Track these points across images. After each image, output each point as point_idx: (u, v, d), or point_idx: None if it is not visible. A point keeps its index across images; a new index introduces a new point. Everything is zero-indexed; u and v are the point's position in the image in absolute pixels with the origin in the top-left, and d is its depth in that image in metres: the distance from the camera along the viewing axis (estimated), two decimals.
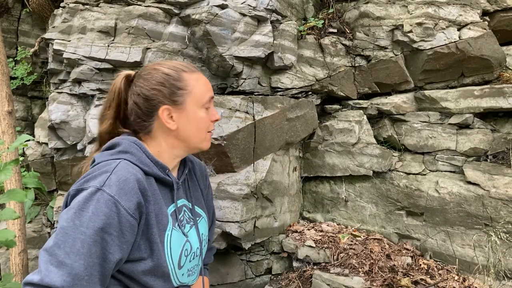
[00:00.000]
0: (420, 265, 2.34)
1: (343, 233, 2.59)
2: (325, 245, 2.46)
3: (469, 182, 2.41)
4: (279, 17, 2.62)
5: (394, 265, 2.29)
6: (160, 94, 1.18)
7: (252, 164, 2.38)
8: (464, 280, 2.24)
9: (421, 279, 2.18)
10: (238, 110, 2.35)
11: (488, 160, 2.55)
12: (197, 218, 1.31)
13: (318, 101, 2.86)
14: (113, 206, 0.98)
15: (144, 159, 1.13)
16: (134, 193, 1.03)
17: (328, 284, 2.15)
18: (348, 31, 2.92)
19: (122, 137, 1.19)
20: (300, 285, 2.30)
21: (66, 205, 1.05)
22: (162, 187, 1.18)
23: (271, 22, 2.56)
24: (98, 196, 0.97)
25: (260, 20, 2.51)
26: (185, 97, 1.19)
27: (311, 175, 2.88)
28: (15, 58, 3.69)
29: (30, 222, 2.74)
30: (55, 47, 2.39)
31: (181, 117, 1.19)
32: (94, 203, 0.96)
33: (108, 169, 1.04)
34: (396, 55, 2.75)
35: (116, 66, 2.32)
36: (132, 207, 1.01)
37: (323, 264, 2.38)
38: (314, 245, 2.44)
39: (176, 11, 2.41)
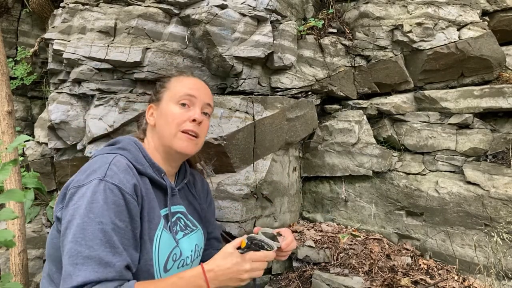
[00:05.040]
0: (420, 265, 2.34)
1: (343, 233, 2.59)
2: (325, 245, 2.46)
3: (469, 182, 2.41)
4: (279, 17, 2.62)
5: (394, 265, 2.29)
6: (152, 95, 1.32)
7: (252, 164, 2.38)
8: (464, 280, 2.23)
9: (421, 279, 2.18)
10: (238, 110, 2.35)
11: (488, 160, 2.55)
12: (194, 228, 1.32)
13: (318, 101, 2.86)
14: (119, 193, 1.00)
15: (140, 158, 1.15)
16: (130, 178, 1.06)
17: (328, 284, 2.15)
18: (348, 31, 2.92)
19: (123, 136, 1.23)
20: (300, 285, 2.30)
21: (63, 199, 1.05)
22: (157, 189, 1.18)
23: (271, 22, 2.56)
24: (103, 186, 0.99)
25: (260, 20, 2.51)
26: (163, 93, 1.27)
27: (311, 175, 2.88)
28: (15, 58, 3.69)
29: (30, 222, 2.73)
30: (55, 47, 2.39)
31: (158, 112, 1.26)
32: (102, 193, 0.98)
33: (105, 161, 1.07)
34: (396, 55, 2.75)
35: (116, 66, 2.32)
36: (132, 190, 1.04)
37: (323, 264, 2.38)
38: (314, 245, 2.44)
39: (176, 11, 2.41)
